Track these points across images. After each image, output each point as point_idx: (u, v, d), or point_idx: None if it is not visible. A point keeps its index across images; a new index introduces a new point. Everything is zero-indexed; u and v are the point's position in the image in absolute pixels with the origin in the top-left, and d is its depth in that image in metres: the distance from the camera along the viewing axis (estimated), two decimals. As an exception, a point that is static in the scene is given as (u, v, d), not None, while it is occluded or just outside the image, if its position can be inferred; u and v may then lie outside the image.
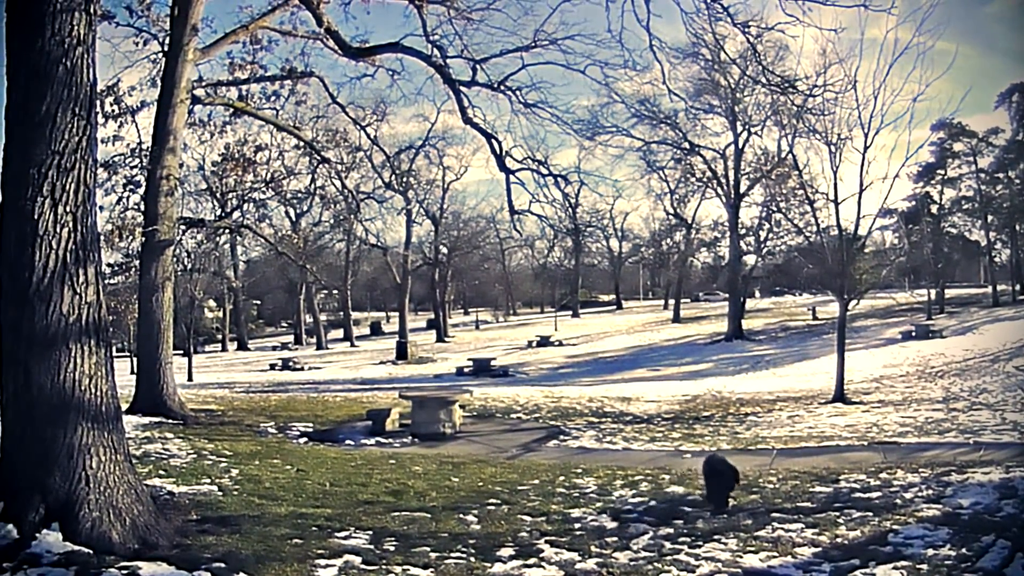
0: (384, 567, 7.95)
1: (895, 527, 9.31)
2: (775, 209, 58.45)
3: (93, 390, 8.21)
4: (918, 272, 67.41)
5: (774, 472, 13.31)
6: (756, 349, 51.92)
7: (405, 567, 7.97)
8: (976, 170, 69.15)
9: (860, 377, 33.03)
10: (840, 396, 26.13)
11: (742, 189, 61.41)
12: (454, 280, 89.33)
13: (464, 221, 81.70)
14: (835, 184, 27.32)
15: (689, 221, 78.70)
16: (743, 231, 65.87)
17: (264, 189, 31.50)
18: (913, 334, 48.93)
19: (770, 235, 66.24)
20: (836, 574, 7.80)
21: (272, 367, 54.46)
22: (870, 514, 10.05)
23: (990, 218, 70.38)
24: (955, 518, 9.55)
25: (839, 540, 8.93)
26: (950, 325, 52.65)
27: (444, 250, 76.45)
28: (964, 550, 8.26)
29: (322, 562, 7.98)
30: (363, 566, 7.98)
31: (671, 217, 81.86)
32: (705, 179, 65.62)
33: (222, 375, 50.20)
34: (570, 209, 67.13)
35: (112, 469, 8.23)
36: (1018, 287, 69.41)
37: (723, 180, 61.99)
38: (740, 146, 60.23)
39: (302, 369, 53.01)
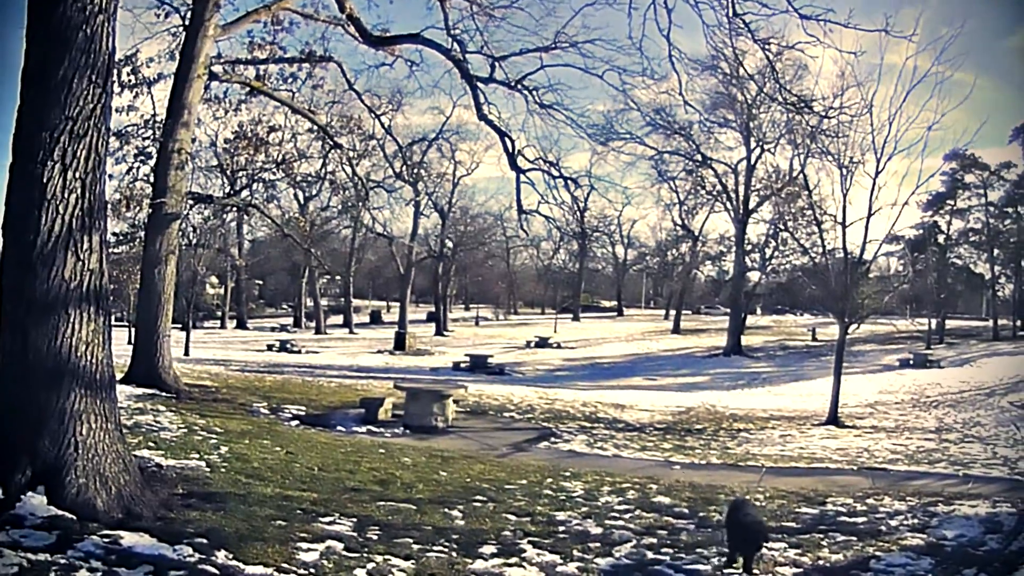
0: (366, 555, 7.97)
1: (878, 553, 9.33)
2: (783, 228, 58.34)
3: (89, 357, 8.22)
4: (920, 301, 67.29)
5: (762, 490, 13.33)
6: (753, 366, 51.77)
7: (387, 557, 7.99)
8: (986, 203, 68.78)
9: (855, 401, 32.93)
10: (833, 419, 26.11)
11: (751, 205, 61.46)
12: (457, 275, 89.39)
13: (472, 217, 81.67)
14: (844, 207, 27.44)
15: (696, 233, 78.54)
16: (749, 247, 65.90)
17: (274, 170, 31.53)
18: (911, 362, 48.87)
19: (776, 253, 66.05)
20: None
21: (269, 348, 54.48)
22: (854, 539, 10.07)
23: (996, 252, 70.12)
24: (939, 549, 9.56)
25: (821, 562, 8.95)
26: (948, 356, 52.53)
27: (450, 244, 76.51)
28: (945, 584, 8.28)
29: (304, 545, 8.00)
30: (345, 552, 8.00)
31: (678, 228, 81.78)
32: (715, 192, 65.60)
33: (218, 352, 50.24)
34: (578, 212, 67.04)
35: (102, 437, 8.24)
36: (1019, 323, 69.08)
37: (733, 195, 62.00)
38: (752, 162, 60.21)
39: (299, 352, 53.04)
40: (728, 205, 63.20)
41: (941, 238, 70.64)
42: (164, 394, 19.38)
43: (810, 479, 15.11)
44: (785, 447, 20.60)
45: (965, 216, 70.96)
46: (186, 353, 43.84)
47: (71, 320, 8.07)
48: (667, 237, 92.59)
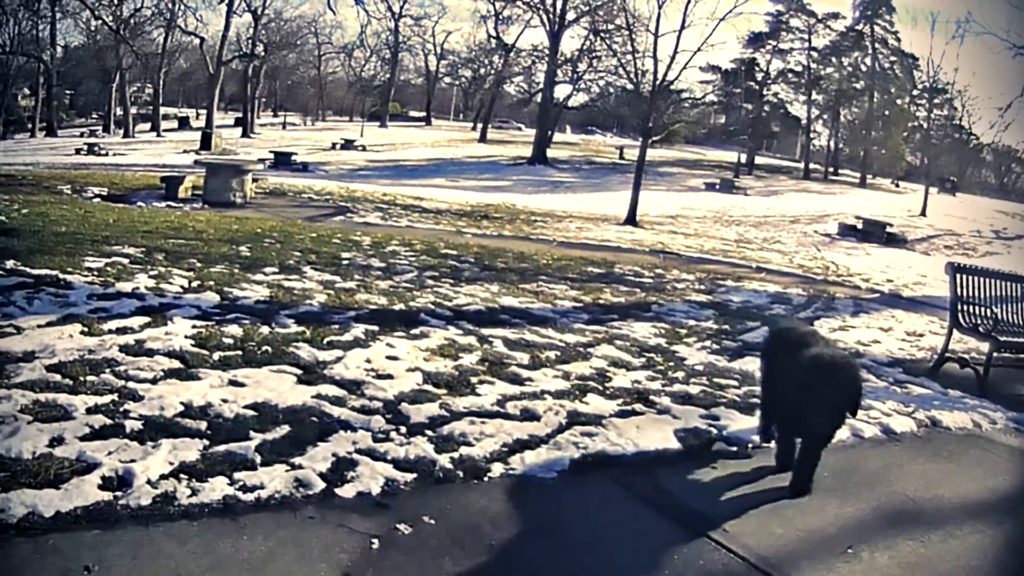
0: (150, 268, 8.47)
1: (661, 302, 10.35)
2: (600, 35, 56.77)
3: None
4: (733, 134, 68.06)
5: (551, 254, 14.22)
6: (557, 176, 51.91)
7: (170, 269, 8.52)
8: (809, 47, 69.64)
9: (657, 211, 32.89)
10: (632, 220, 26.14)
11: (568, 19, 59.71)
12: (267, 79, 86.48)
13: (285, 20, 78.60)
14: (658, 16, 27.50)
15: (509, 46, 76.99)
16: (562, 59, 64.21)
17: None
18: (717, 187, 48.98)
19: (589, 69, 65.00)
20: (593, 321, 8.68)
21: (78, 152, 51.82)
22: (638, 290, 11.16)
23: (815, 96, 71.03)
24: (723, 307, 10.64)
25: (602, 302, 9.94)
26: (756, 186, 53.22)
27: (261, 45, 73.36)
28: (727, 326, 9.25)
29: (91, 259, 8.43)
30: (130, 265, 8.50)
31: (492, 40, 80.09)
32: (532, 4, 63.34)
33: (27, 158, 47.64)
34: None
35: None
36: (831, 169, 70.90)
37: (551, 8, 60.21)
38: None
39: (107, 154, 50.77)
40: (544, 17, 61.57)
41: (760, 76, 71.23)
42: (-34, 185, 18.65)
43: (600, 252, 16.14)
44: (579, 234, 21.16)
45: (786, 57, 71.51)
46: (-7, 162, 41.48)
47: None
48: (480, 47, 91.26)
